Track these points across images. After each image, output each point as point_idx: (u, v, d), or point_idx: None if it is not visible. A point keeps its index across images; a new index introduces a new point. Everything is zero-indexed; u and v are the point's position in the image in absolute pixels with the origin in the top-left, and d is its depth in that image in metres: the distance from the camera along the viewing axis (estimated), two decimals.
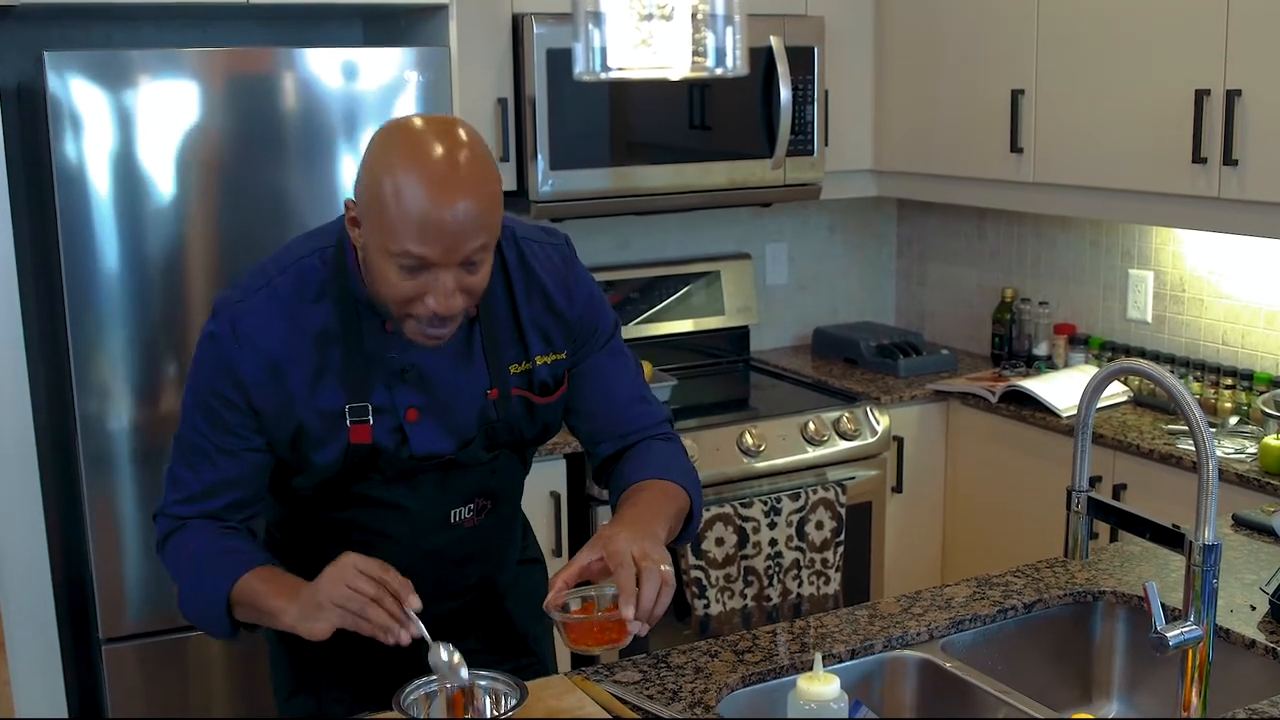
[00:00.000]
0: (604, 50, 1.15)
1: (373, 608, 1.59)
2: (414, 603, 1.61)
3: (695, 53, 1.13)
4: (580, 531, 3.28)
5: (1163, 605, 1.70)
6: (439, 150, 1.60)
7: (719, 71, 1.16)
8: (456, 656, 1.65)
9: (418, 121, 1.65)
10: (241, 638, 1.83)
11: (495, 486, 1.89)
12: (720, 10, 1.11)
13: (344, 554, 1.66)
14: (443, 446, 1.81)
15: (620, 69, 1.15)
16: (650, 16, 1.09)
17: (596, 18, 1.13)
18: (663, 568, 1.63)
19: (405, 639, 1.60)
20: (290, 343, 1.73)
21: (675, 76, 1.17)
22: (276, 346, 1.73)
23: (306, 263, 1.76)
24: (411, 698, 1.64)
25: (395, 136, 1.64)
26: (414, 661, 1.90)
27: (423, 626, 1.62)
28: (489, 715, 1.65)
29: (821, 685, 1.55)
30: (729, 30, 1.12)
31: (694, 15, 1.11)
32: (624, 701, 1.75)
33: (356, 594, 1.60)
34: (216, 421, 1.76)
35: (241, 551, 1.78)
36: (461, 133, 1.64)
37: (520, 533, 2.08)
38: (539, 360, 1.86)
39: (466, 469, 1.84)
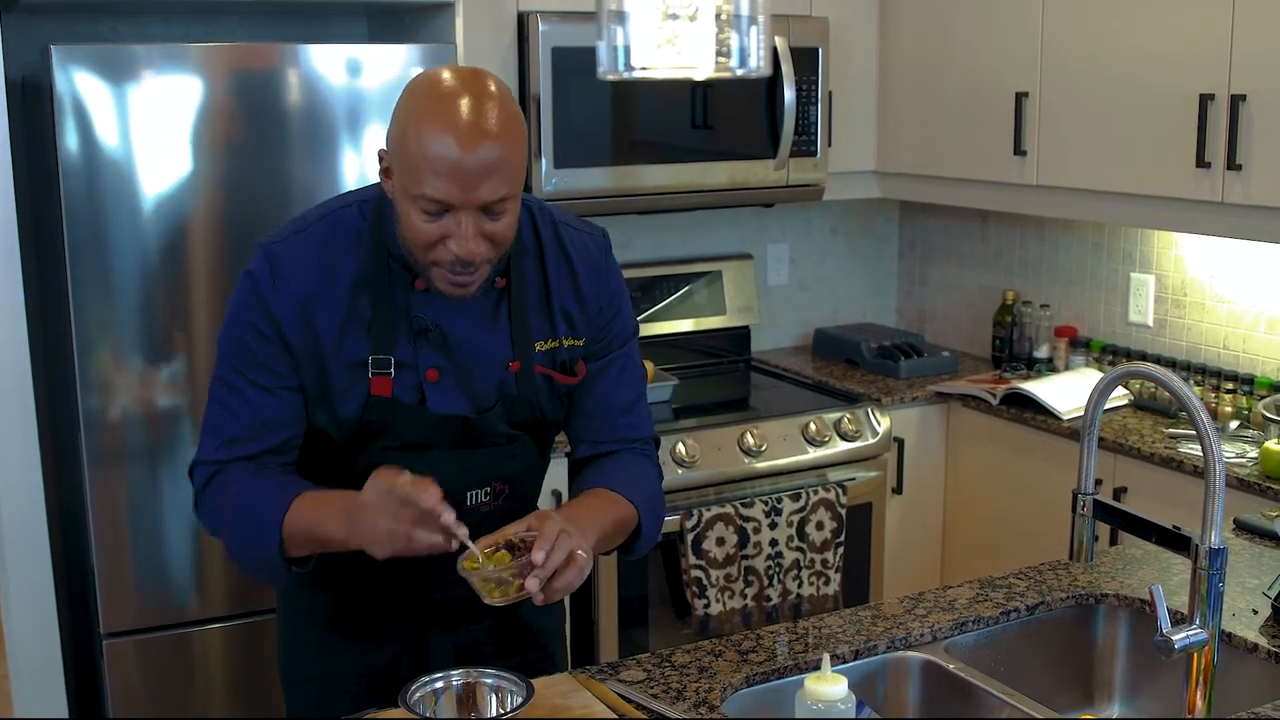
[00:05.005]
0: (628, 49, 1.15)
1: (419, 535, 1.61)
2: (449, 517, 1.61)
3: (719, 53, 1.13)
4: None
5: (1167, 609, 1.71)
6: (464, 97, 1.64)
7: (741, 72, 1.16)
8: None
9: (447, 72, 1.69)
10: (293, 578, 1.82)
11: (513, 472, 1.89)
12: (745, 11, 1.11)
13: (380, 472, 1.65)
14: (460, 407, 1.82)
15: (644, 69, 1.15)
16: (675, 16, 1.09)
17: (620, 16, 1.13)
18: (580, 553, 1.64)
19: (454, 545, 1.62)
20: (323, 285, 1.77)
21: (700, 76, 1.17)
22: (310, 287, 1.76)
23: (345, 213, 1.81)
24: (417, 695, 1.64)
25: (424, 84, 1.69)
26: (418, 659, 1.90)
27: (465, 533, 1.63)
28: (494, 713, 1.66)
29: (829, 685, 1.55)
30: (753, 30, 1.12)
31: (717, 15, 1.11)
32: (630, 701, 1.75)
33: (398, 529, 1.61)
34: (251, 357, 1.78)
35: (284, 485, 1.78)
36: (490, 84, 1.68)
37: None
38: (565, 341, 1.88)
39: (484, 449, 1.84)
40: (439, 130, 1.62)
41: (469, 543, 1.63)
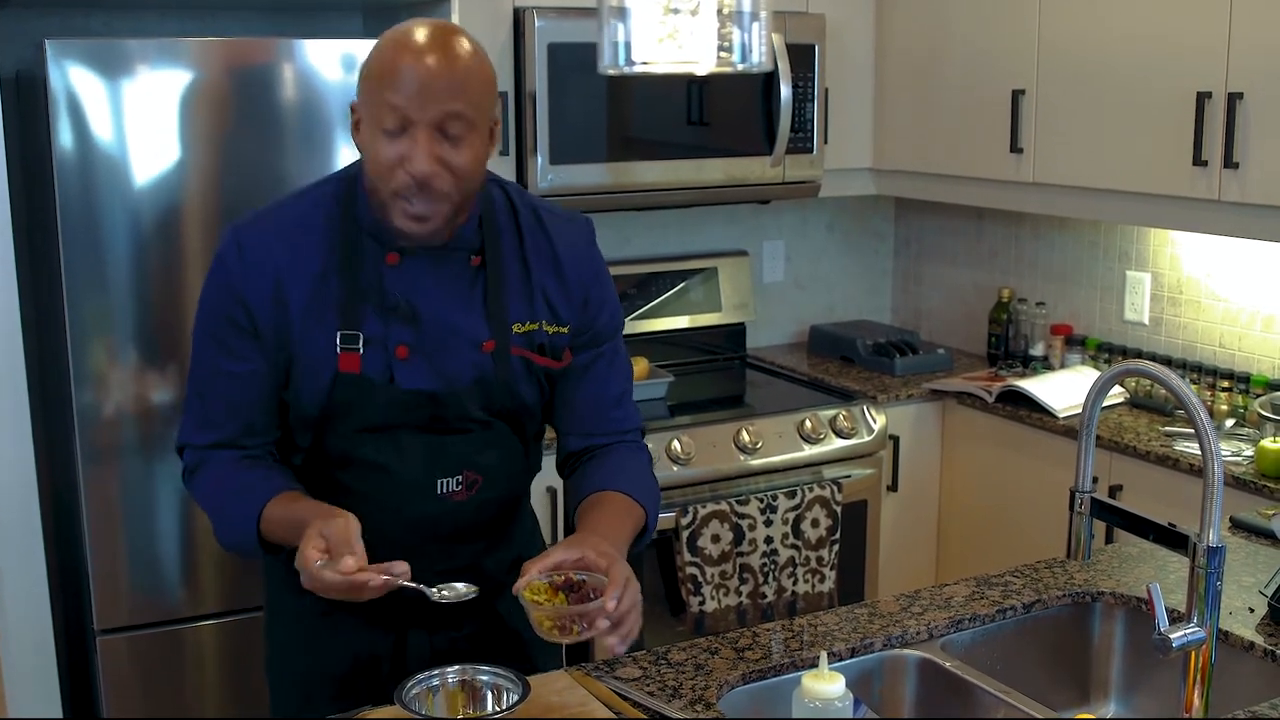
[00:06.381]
0: (628, 44, 1.14)
1: (357, 594, 1.60)
2: (376, 581, 1.60)
3: (720, 48, 1.13)
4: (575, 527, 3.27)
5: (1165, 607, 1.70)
6: (432, 29, 1.69)
7: (742, 67, 1.15)
8: (452, 589, 1.69)
9: (419, 20, 1.74)
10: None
11: (487, 462, 1.86)
12: (746, 6, 1.10)
13: (302, 542, 1.62)
14: (430, 384, 1.80)
15: (645, 63, 1.14)
16: (676, 11, 1.09)
17: (621, 12, 1.12)
18: (640, 598, 1.65)
19: (396, 583, 1.62)
20: (291, 260, 1.76)
21: (701, 72, 1.17)
22: (279, 263, 1.76)
23: (316, 192, 1.82)
24: (413, 692, 1.63)
25: (394, 28, 1.73)
26: (398, 659, 1.88)
27: (405, 577, 1.62)
28: (490, 711, 1.65)
29: (827, 684, 1.54)
30: (755, 26, 1.11)
31: (719, 10, 1.10)
32: (626, 698, 1.75)
33: (334, 589, 1.60)
34: (222, 346, 1.79)
35: (255, 487, 1.79)
36: (455, 30, 1.72)
37: (527, 524, 2.05)
38: (548, 328, 1.86)
39: (454, 434, 1.82)
40: (402, 47, 1.66)
41: (409, 582, 1.62)
